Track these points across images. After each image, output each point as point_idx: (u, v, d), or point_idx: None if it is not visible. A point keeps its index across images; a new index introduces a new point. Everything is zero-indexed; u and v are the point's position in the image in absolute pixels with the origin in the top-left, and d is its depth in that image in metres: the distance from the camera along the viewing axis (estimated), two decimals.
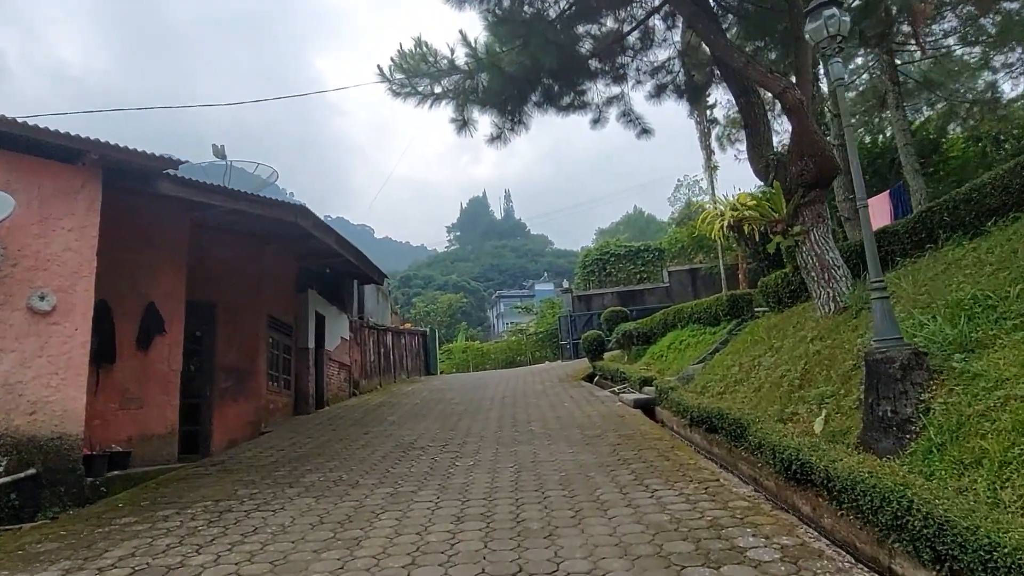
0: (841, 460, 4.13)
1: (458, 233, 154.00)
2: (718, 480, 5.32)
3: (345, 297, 16.04)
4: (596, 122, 12.16)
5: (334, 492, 6.00)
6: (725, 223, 19.95)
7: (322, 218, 10.62)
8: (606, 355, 17.65)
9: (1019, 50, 16.68)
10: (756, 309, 12.38)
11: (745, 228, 19.98)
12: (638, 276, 28.53)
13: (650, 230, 64.32)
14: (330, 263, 13.39)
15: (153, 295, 8.29)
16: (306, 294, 13.44)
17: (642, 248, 29.59)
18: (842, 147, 17.13)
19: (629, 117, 12.00)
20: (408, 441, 8.81)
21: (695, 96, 12.84)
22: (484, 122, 11.38)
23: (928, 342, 4.83)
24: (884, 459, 4.24)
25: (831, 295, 7.41)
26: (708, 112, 23.28)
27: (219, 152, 15.36)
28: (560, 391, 14.19)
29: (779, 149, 10.90)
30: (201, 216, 8.97)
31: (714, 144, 22.89)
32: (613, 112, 12.09)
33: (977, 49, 16.72)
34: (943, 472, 3.77)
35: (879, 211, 12.08)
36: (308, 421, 11.96)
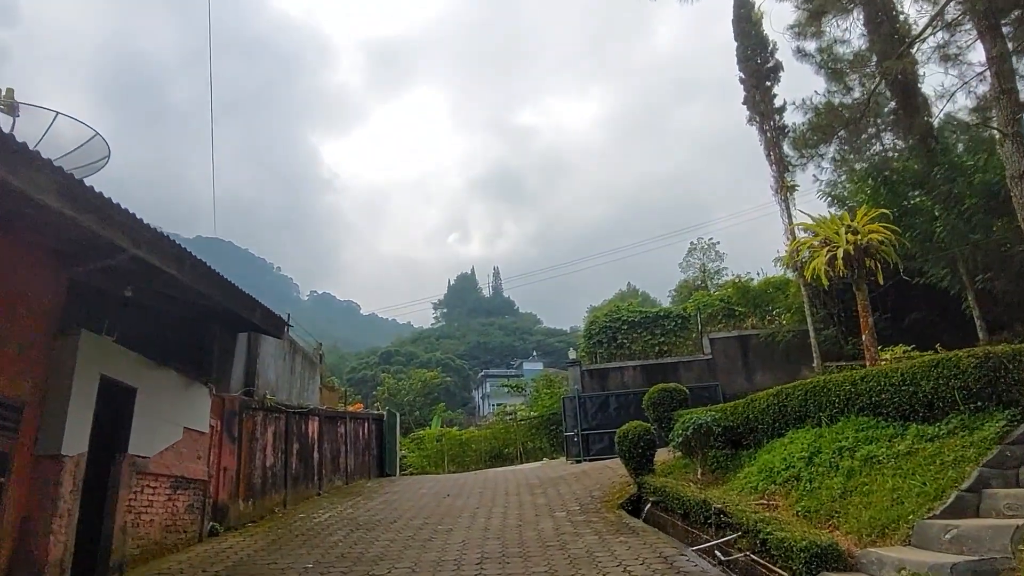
0: None
1: (445, 310, 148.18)
2: None
3: (205, 353, 8.99)
4: None
5: None
6: (840, 255, 13.26)
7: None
8: (657, 461, 10.55)
9: None
10: None
11: (868, 263, 13.36)
12: (657, 348, 21.67)
13: (647, 307, 58.28)
14: (133, 276, 6.49)
15: None
16: (75, 339, 6.45)
17: (661, 314, 22.83)
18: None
19: None
20: None
21: None
22: None
23: None
24: None
25: None
26: (776, 118, 17.25)
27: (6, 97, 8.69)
28: (594, 549, 7.03)
29: None
30: None
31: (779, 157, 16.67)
32: None
33: None
34: None
35: None
36: None
